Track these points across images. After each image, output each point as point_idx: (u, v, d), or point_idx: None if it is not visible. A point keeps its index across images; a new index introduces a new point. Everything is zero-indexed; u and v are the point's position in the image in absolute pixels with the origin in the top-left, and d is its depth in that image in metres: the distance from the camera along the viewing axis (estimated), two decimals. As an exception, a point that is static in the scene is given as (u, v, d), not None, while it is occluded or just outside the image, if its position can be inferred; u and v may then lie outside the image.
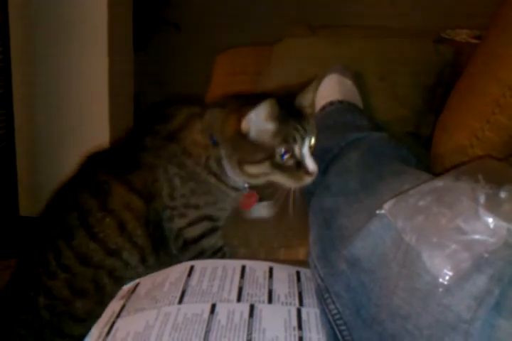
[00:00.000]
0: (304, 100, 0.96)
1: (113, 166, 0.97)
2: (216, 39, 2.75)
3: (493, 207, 0.54)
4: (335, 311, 0.66)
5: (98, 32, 2.00)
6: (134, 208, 0.94)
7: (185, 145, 0.95)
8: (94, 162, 1.02)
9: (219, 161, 0.95)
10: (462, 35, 1.85)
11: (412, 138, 1.35)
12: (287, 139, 0.89)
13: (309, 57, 1.56)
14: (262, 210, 1.05)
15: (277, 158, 0.89)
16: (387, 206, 0.63)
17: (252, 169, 0.92)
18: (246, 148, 0.91)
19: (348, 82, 1.26)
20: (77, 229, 0.93)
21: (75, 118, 2.11)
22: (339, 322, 0.65)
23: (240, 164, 0.92)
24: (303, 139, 0.90)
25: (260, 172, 0.91)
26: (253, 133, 0.89)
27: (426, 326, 0.53)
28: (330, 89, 1.22)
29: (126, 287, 0.83)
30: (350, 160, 0.89)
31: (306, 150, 0.90)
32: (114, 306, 0.78)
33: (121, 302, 0.78)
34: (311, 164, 0.90)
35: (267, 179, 0.93)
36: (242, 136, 0.89)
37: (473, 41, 1.78)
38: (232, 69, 1.79)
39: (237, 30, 2.87)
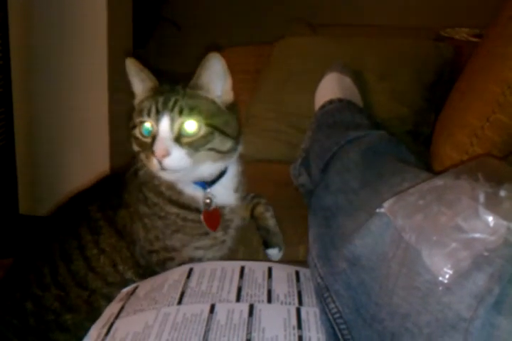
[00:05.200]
0: (198, 79, 0.84)
1: (104, 203, 0.94)
2: (216, 37, 2.74)
3: (493, 205, 0.54)
4: (335, 310, 0.66)
5: (98, 30, 2.00)
6: (120, 251, 0.91)
7: (140, 176, 0.89)
8: (96, 189, 1.00)
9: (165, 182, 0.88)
10: (462, 34, 1.86)
11: (412, 137, 1.36)
12: (143, 110, 0.81)
13: (309, 55, 1.57)
14: (272, 255, 0.98)
15: (137, 132, 0.82)
16: (387, 205, 0.63)
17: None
18: None
19: (348, 80, 1.26)
20: (77, 258, 0.91)
21: (74, 117, 2.10)
22: (339, 321, 0.65)
23: None
24: (159, 113, 0.79)
25: (136, 150, 0.85)
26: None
27: (425, 324, 0.53)
28: (329, 88, 1.22)
29: (125, 290, 0.83)
30: (350, 159, 0.89)
31: (163, 128, 0.79)
32: (112, 308, 0.78)
33: (120, 304, 0.77)
34: (159, 144, 0.78)
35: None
36: None
37: (473, 40, 1.78)
38: (232, 67, 1.78)
39: (237, 29, 2.86)
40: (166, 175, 0.84)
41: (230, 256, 0.97)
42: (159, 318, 0.69)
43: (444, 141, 1.16)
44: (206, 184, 0.88)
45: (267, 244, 0.98)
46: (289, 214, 1.05)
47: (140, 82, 0.87)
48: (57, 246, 0.94)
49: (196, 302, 0.72)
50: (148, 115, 0.80)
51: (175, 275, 0.81)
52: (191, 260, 0.90)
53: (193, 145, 0.80)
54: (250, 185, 1.00)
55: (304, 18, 2.05)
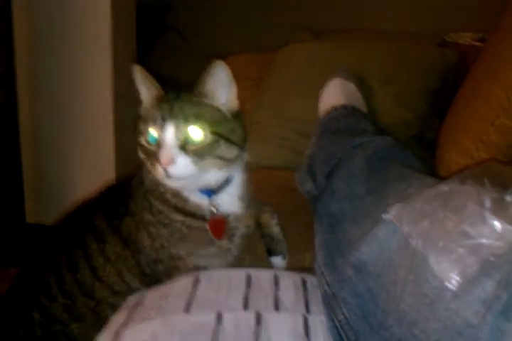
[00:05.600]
0: (203, 87, 0.84)
1: (110, 212, 0.94)
2: (220, 45, 2.76)
3: (499, 210, 0.53)
4: (342, 317, 0.66)
5: (102, 38, 2.01)
6: (125, 260, 0.91)
7: (145, 184, 0.90)
8: (102, 198, 1.00)
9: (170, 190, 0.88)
10: (465, 38, 1.85)
11: (417, 142, 1.35)
12: (148, 118, 0.82)
13: (313, 61, 1.57)
14: (276, 263, 0.98)
15: (143, 139, 0.82)
16: (392, 211, 0.62)
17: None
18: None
19: (352, 86, 1.26)
20: (83, 267, 0.92)
21: (80, 125, 2.12)
22: (346, 328, 0.64)
23: None
24: (164, 121, 0.79)
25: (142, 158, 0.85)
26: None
27: (433, 331, 0.52)
28: (333, 94, 1.22)
29: (132, 298, 0.83)
30: (355, 165, 0.89)
31: (168, 136, 0.79)
32: (119, 316, 0.77)
33: (127, 313, 0.77)
34: (164, 152, 0.78)
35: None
36: None
37: (477, 44, 1.78)
38: (236, 75, 1.79)
39: (240, 36, 2.87)
40: (171, 183, 0.84)
41: (236, 264, 0.97)
42: (166, 327, 0.69)
43: (449, 146, 1.16)
44: (212, 192, 0.88)
45: (270, 252, 0.98)
46: (295, 221, 1.04)
47: (146, 90, 0.87)
48: (63, 256, 0.94)
49: (203, 311, 0.71)
50: (154, 123, 0.80)
51: (181, 283, 0.80)
52: (196, 268, 0.90)
53: (198, 152, 0.80)
54: (255, 192, 1.00)
55: (307, 24, 2.05)
